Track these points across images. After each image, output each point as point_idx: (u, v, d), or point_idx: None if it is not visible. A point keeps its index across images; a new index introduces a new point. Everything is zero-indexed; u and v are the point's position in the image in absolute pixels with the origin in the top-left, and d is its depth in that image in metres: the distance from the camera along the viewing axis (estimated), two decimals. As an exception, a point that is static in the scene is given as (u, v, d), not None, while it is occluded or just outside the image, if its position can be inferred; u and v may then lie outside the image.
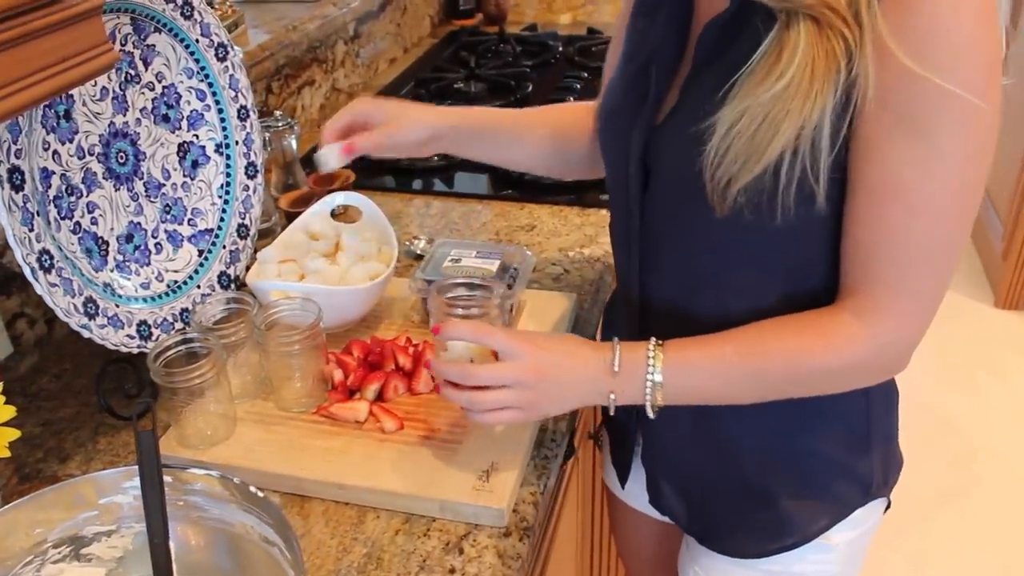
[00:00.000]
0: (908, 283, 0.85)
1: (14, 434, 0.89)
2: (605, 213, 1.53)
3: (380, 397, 1.08)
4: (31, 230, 0.98)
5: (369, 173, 1.70)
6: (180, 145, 1.22)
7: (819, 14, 0.76)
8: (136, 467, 0.83)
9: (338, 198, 1.30)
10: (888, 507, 1.10)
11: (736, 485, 1.04)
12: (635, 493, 1.24)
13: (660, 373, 0.90)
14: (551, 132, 1.22)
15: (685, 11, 0.95)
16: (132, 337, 1.09)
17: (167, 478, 0.84)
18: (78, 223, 1.08)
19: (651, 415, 0.93)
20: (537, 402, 0.92)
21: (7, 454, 0.88)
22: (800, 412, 0.97)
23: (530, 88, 2.03)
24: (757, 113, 0.80)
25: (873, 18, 0.76)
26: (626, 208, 1.00)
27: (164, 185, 1.20)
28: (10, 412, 0.89)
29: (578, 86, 2.02)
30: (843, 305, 0.89)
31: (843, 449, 1.02)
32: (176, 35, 1.18)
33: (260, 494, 0.82)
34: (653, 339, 0.91)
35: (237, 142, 1.27)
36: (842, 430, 1.01)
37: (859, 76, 0.77)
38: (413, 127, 1.13)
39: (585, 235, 1.47)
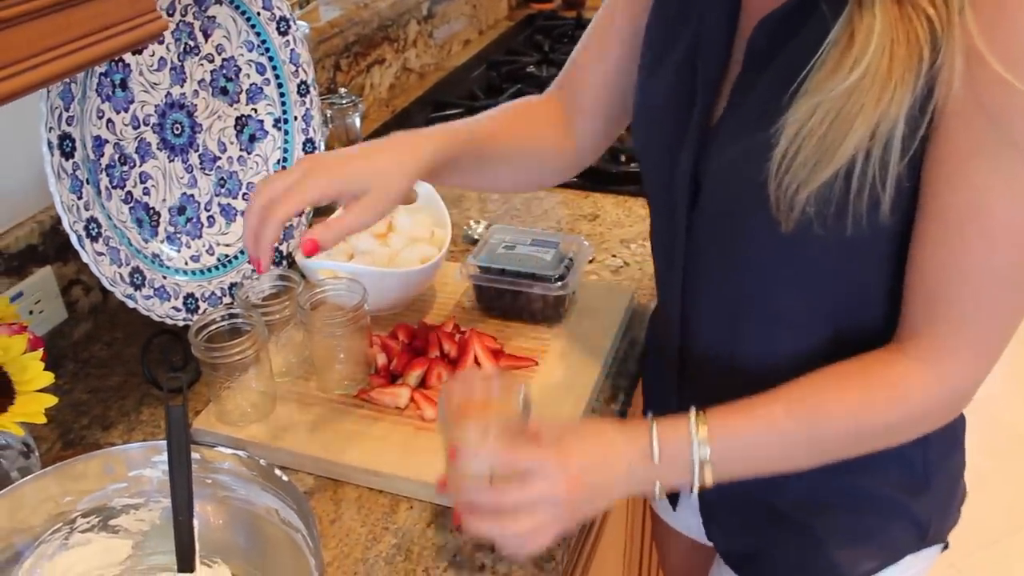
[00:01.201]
0: (981, 323, 0.75)
1: (51, 400, 0.89)
2: (671, 205, 1.48)
3: (423, 384, 1.05)
4: (80, 198, 0.97)
5: (434, 155, 1.67)
6: (238, 119, 1.21)
7: None
8: (165, 442, 0.82)
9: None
10: (946, 547, 1.00)
11: (779, 521, 0.96)
12: (681, 516, 1.19)
13: (707, 448, 0.78)
14: (518, 150, 1.05)
15: (731, 4, 0.85)
16: (178, 310, 1.09)
17: (195, 456, 0.83)
18: (130, 193, 1.08)
19: (692, 492, 0.81)
20: (575, 512, 0.80)
21: (43, 420, 0.88)
22: (857, 463, 0.88)
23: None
24: (829, 109, 0.71)
25: (962, 7, 0.66)
26: (670, 219, 0.91)
27: (219, 158, 1.19)
28: (48, 378, 0.89)
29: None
30: (904, 349, 0.79)
31: (897, 489, 0.92)
32: (237, 7, 1.17)
33: (285, 478, 0.80)
34: (693, 411, 0.80)
35: (296, 117, 1.26)
36: (896, 469, 0.91)
37: (944, 67, 0.68)
38: (396, 187, 0.87)
39: (648, 227, 1.42)
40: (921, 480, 0.92)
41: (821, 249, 0.79)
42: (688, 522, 1.17)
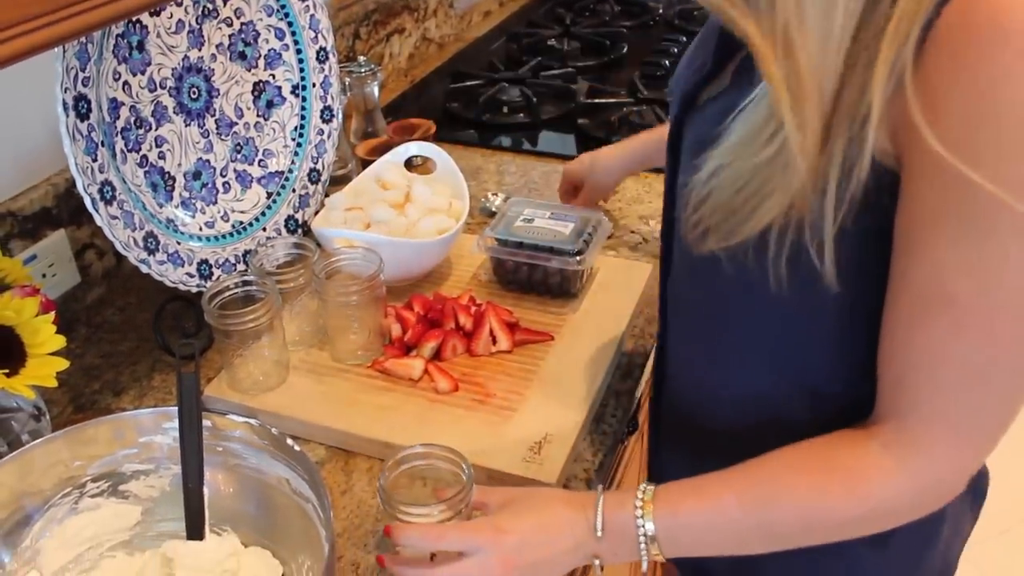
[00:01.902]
0: (956, 418, 0.65)
1: (62, 364, 0.88)
2: (691, 182, 1.46)
3: (437, 356, 1.04)
4: (94, 160, 0.96)
5: (452, 126, 1.66)
6: (255, 84, 1.19)
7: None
8: (176, 409, 0.81)
9: (412, 148, 1.26)
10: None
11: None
12: None
13: (652, 525, 0.73)
14: None
15: None
16: (192, 276, 1.07)
17: (206, 423, 0.82)
18: (145, 156, 1.06)
19: (645, 568, 0.77)
20: None
21: (54, 384, 0.87)
22: None
23: (625, 49, 1.96)
24: (740, 175, 0.65)
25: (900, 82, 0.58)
26: (665, 194, 0.89)
27: (236, 124, 1.18)
28: (60, 342, 0.88)
29: (675, 50, 1.93)
30: (874, 433, 0.69)
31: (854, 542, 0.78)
32: (257, -30, 1.15)
33: (297, 448, 0.79)
34: (643, 487, 0.75)
35: (314, 84, 1.24)
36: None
37: (873, 150, 0.60)
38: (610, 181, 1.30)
39: (669, 204, 1.40)
40: (883, 535, 0.76)
41: (752, 292, 0.73)
42: None
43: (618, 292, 1.15)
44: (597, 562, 0.77)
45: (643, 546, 0.74)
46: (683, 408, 0.91)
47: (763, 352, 0.79)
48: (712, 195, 0.67)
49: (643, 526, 0.73)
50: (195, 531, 0.82)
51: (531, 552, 0.75)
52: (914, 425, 0.67)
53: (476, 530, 0.76)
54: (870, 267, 0.67)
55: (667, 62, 1.85)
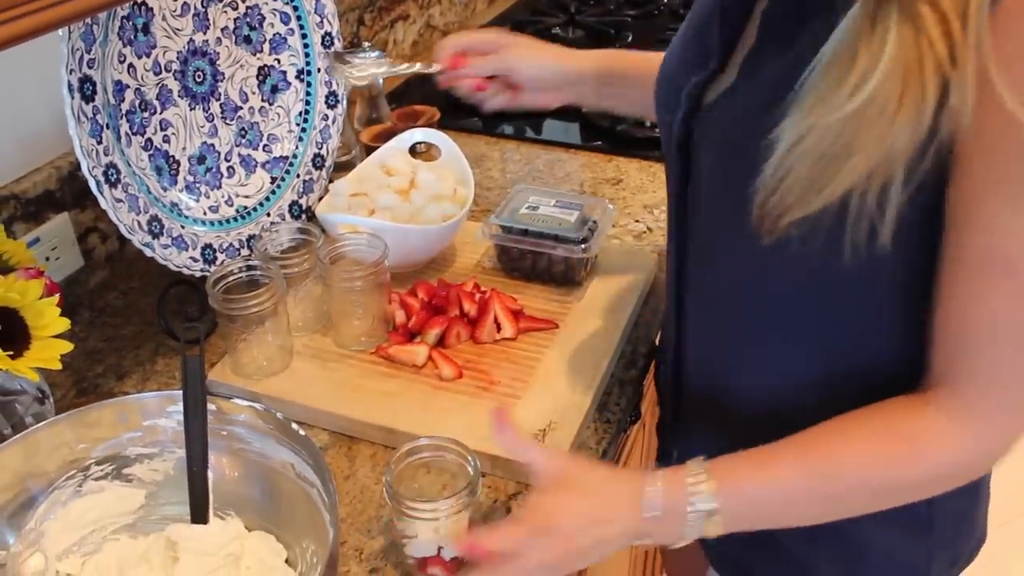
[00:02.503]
0: (1010, 383, 0.66)
1: (67, 347, 0.88)
2: (696, 172, 1.46)
3: (441, 343, 1.04)
4: (99, 143, 0.96)
5: (456, 113, 1.65)
6: (260, 68, 1.19)
7: (915, 12, 0.57)
8: (180, 392, 0.81)
9: (417, 134, 1.25)
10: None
11: (782, 552, 0.90)
12: None
13: (712, 504, 0.72)
14: None
15: None
16: (196, 260, 1.07)
17: (211, 407, 0.82)
18: (150, 140, 1.06)
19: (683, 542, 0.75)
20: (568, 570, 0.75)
21: (58, 366, 0.87)
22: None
23: (629, 38, 1.94)
24: (824, 135, 0.62)
25: (980, 34, 0.56)
26: (672, 193, 0.86)
27: (241, 108, 1.17)
28: (64, 324, 0.88)
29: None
30: (929, 399, 0.70)
31: (896, 534, 0.84)
32: (263, -47, 1.14)
33: (302, 432, 0.79)
34: (696, 464, 0.73)
35: (319, 69, 1.23)
36: (899, 512, 0.79)
37: (953, 102, 0.58)
38: (554, 103, 1.13)
39: (673, 193, 1.40)
40: (925, 524, 0.85)
41: (807, 273, 0.72)
42: None
43: (623, 280, 1.15)
44: (648, 540, 0.76)
45: (701, 523, 0.72)
46: (710, 397, 0.89)
47: (811, 335, 0.77)
48: (793, 169, 0.64)
49: (703, 504, 0.72)
50: (199, 515, 0.82)
51: (583, 537, 0.74)
52: (970, 391, 0.68)
53: (531, 521, 0.74)
54: (924, 234, 0.66)
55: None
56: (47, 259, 1.14)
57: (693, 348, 0.91)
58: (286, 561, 0.82)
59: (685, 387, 0.94)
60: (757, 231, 0.69)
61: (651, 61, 0.98)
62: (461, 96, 1.14)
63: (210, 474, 0.82)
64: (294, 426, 0.80)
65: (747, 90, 0.73)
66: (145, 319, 1.17)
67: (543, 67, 1.12)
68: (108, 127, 0.97)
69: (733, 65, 0.76)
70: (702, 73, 0.78)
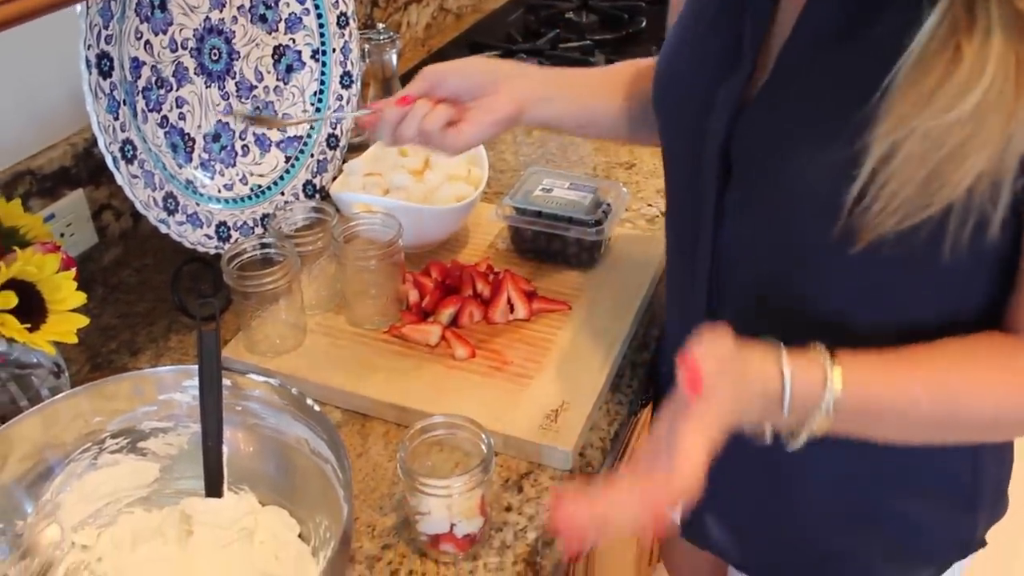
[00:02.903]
0: None
1: (83, 321, 0.88)
2: (709, 157, 1.45)
3: (454, 322, 1.04)
4: (116, 119, 0.96)
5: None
6: (275, 48, 1.19)
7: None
8: (196, 367, 0.82)
9: (431, 115, 1.25)
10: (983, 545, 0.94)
11: (812, 546, 0.89)
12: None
13: (834, 404, 0.67)
14: (627, 92, 1.00)
15: None
16: (210, 237, 1.08)
17: (226, 382, 0.83)
18: (165, 117, 1.06)
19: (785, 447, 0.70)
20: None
21: (75, 340, 0.88)
22: (892, 471, 0.82)
23: (643, 24, 1.94)
24: (933, 138, 0.58)
25: None
26: (693, 209, 0.80)
27: (256, 87, 1.17)
28: (81, 298, 0.89)
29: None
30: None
31: (945, 510, 0.85)
32: (280, -69, 1.14)
33: (317, 408, 0.79)
34: (825, 360, 0.68)
35: (334, 50, 1.23)
36: (944, 489, 0.84)
37: None
38: (504, 106, 0.90)
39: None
40: (971, 496, 0.85)
41: (890, 272, 0.69)
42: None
43: (636, 264, 1.15)
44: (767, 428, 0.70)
45: (815, 420, 0.68)
46: None
47: (877, 333, 0.72)
48: (894, 176, 0.60)
49: (827, 405, 0.67)
50: (213, 489, 0.82)
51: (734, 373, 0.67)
52: None
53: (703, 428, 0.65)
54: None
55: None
56: (62, 235, 1.15)
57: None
58: (299, 536, 0.82)
59: None
60: (842, 238, 0.65)
61: (576, 78, 0.99)
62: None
63: (224, 449, 0.82)
64: (309, 402, 0.80)
65: (794, 89, 0.69)
66: (159, 296, 1.17)
67: (468, 75, 0.93)
68: (125, 103, 0.98)
69: (764, 55, 0.72)
70: (734, 72, 0.73)
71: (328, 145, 1.24)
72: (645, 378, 1.05)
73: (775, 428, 0.70)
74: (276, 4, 1.18)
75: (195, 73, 1.09)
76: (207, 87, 1.11)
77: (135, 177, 0.98)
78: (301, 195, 1.21)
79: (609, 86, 1.01)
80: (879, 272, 0.70)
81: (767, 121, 0.71)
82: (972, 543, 0.89)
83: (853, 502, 0.85)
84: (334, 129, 1.24)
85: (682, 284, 0.88)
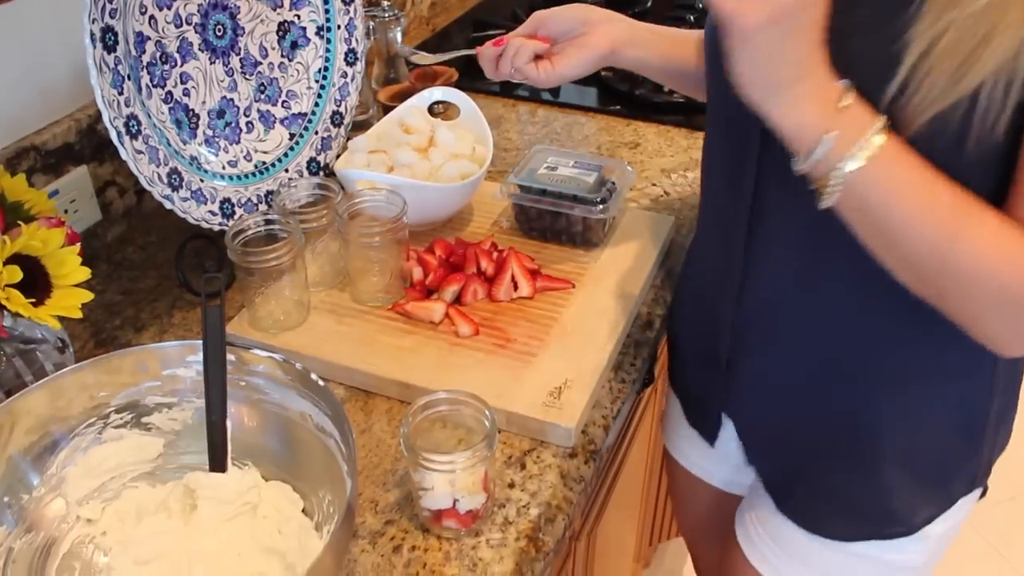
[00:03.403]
0: None
1: (87, 296, 0.88)
2: (714, 137, 1.45)
3: (458, 300, 1.04)
4: (120, 93, 0.96)
5: (474, 75, 1.64)
6: (280, 24, 1.18)
7: None
8: (200, 342, 0.82)
9: (436, 93, 1.25)
10: (984, 494, 0.98)
11: (830, 454, 0.92)
12: (705, 464, 1.17)
13: (879, 140, 0.67)
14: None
15: None
16: (214, 214, 1.07)
17: (230, 357, 0.83)
18: (170, 93, 1.06)
19: (824, 204, 0.71)
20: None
21: (79, 315, 0.88)
22: (918, 396, 0.86)
23: (649, 3, 1.93)
24: (964, 27, 0.63)
25: None
26: (741, 139, 0.82)
27: (260, 64, 1.17)
28: (85, 273, 0.89)
29: (700, 4, 1.91)
30: None
31: (959, 436, 0.89)
32: (285, -94, 1.14)
33: (321, 383, 0.79)
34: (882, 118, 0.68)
35: (339, 26, 1.23)
36: (960, 415, 0.88)
37: None
38: (599, 44, 1.01)
39: (691, 158, 1.40)
40: (982, 430, 0.90)
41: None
42: (711, 469, 1.16)
43: (640, 243, 1.15)
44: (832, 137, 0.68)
45: (850, 160, 0.67)
46: (775, 342, 0.90)
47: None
48: (933, 68, 0.64)
49: (868, 144, 0.67)
50: (217, 463, 0.82)
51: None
52: None
53: None
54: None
55: (692, 16, 1.83)
56: (66, 212, 1.15)
57: (761, 293, 0.89)
58: (303, 511, 0.82)
59: (745, 335, 0.93)
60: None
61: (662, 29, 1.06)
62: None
63: (228, 424, 0.82)
64: (313, 377, 0.80)
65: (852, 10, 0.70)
66: (162, 273, 1.17)
67: (568, 17, 1.03)
68: (129, 78, 0.97)
69: None
70: None
71: (332, 122, 1.23)
72: (648, 357, 1.05)
73: (806, 161, 0.69)
74: (281, -20, 1.17)
75: (199, 49, 1.09)
76: (211, 63, 1.11)
77: (139, 153, 0.98)
78: (305, 172, 1.20)
79: (696, 43, 1.05)
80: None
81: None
82: (975, 478, 0.93)
83: (881, 428, 0.88)
84: (338, 106, 1.24)
85: (723, 221, 0.90)
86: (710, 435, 1.06)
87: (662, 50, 1.06)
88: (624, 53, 1.04)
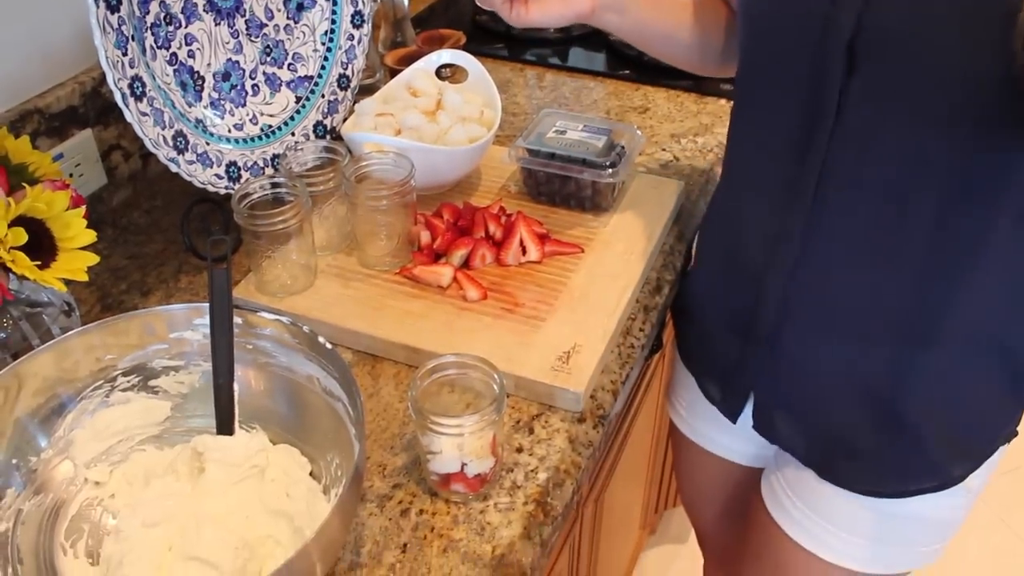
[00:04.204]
0: None
1: (93, 259, 0.88)
2: (724, 102, 1.43)
3: (466, 264, 1.03)
4: (124, 54, 0.95)
5: (482, 39, 1.63)
6: (286, -15, 1.17)
7: None
8: (207, 305, 0.81)
9: (445, 56, 1.23)
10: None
11: (875, 419, 0.91)
12: (707, 432, 1.16)
13: None
14: (708, 20, 1.02)
15: None
16: (220, 177, 1.07)
17: (237, 320, 0.82)
18: (174, 54, 1.05)
19: None
20: None
21: (85, 278, 0.87)
22: (965, 359, 0.85)
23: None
24: None
25: None
26: (810, 112, 0.79)
27: (266, 25, 1.15)
28: (91, 236, 0.88)
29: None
30: None
31: (997, 388, 0.89)
32: None
33: (328, 346, 0.79)
34: None
35: (345, -12, 1.21)
36: (1004, 375, 0.88)
37: None
38: (582, 3, 0.93)
39: (700, 123, 1.38)
40: (1019, 384, 0.89)
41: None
42: (728, 444, 1.15)
43: (649, 208, 1.14)
44: None
45: None
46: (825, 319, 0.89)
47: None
48: None
49: None
50: (225, 426, 0.82)
51: None
52: None
53: None
54: None
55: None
56: (71, 176, 1.14)
57: (815, 267, 0.87)
58: (310, 474, 0.82)
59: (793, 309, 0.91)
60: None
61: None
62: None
63: (236, 387, 0.82)
64: (320, 340, 0.79)
65: None
66: (168, 238, 1.17)
67: None
68: (133, 39, 0.96)
69: None
70: None
71: (339, 85, 1.22)
72: (658, 323, 1.04)
73: None
74: (286, -60, 1.15)
75: (204, 10, 1.07)
76: (216, 24, 1.09)
77: (144, 115, 0.97)
78: (311, 136, 1.19)
79: (693, 12, 1.02)
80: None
81: (888, 8, 0.71)
82: (1009, 432, 0.93)
83: (922, 377, 0.87)
84: (345, 69, 1.22)
85: (775, 190, 0.87)
86: (733, 411, 1.03)
87: (654, 20, 1.01)
88: (606, 18, 0.97)
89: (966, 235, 0.77)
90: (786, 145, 0.83)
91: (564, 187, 1.11)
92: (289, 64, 1.18)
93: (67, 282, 0.86)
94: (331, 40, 1.21)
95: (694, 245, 1.11)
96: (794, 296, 0.89)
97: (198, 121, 1.07)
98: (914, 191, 0.76)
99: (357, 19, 1.23)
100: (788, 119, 0.82)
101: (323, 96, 1.20)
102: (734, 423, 1.04)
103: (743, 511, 1.16)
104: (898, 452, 0.92)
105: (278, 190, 0.99)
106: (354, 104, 1.20)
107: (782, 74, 0.82)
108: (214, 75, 1.10)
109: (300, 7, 1.19)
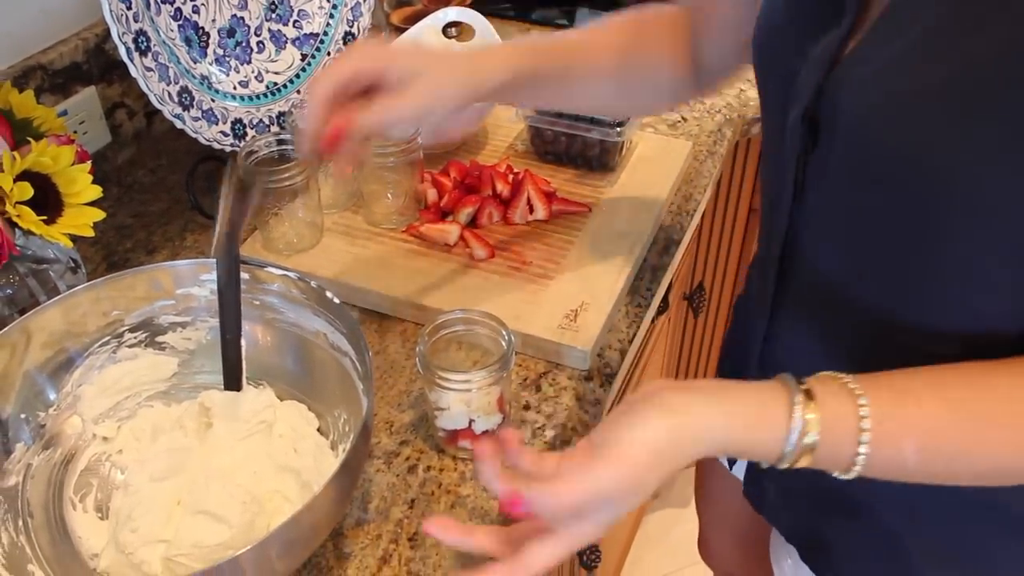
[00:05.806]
0: None
1: (99, 215, 0.88)
2: (733, 62, 1.42)
3: (473, 222, 1.03)
4: (129, 8, 0.94)
5: (487, -1, 1.61)
6: (291, -61, 1.16)
7: None
8: (214, 260, 0.81)
9: (451, 13, 1.22)
10: None
11: (871, 544, 0.81)
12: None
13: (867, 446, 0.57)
14: (620, 66, 0.87)
15: None
16: (226, 134, 1.06)
17: (244, 275, 0.82)
18: (179, 9, 1.03)
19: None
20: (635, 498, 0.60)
21: (91, 233, 0.87)
22: (975, 502, 0.72)
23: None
24: None
25: None
26: (780, 164, 0.70)
27: (271, -19, 1.14)
28: (97, 191, 0.88)
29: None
30: None
31: (1009, 531, 0.75)
32: None
33: (336, 301, 0.78)
34: (860, 400, 0.58)
35: (350, -57, 1.20)
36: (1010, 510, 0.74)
37: None
38: (439, 97, 0.76)
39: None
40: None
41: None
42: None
43: (657, 168, 1.13)
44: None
45: (846, 464, 0.58)
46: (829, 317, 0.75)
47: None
48: None
49: (863, 446, 0.57)
50: (232, 382, 0.82)
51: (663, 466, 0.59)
52: None
53: (596, 468, 0.57)
54: None
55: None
56: (75, 132, 1.13)
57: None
58: (318, 430, 0.82)
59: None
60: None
61: (571, 48, 0.86)
62: None
63: (243, 343, 0.82)
64: (328, 295, 0.79)
65: (897, 38, 0.58)
66: (174, 196, 1.16)
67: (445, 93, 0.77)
68: (137, -7, 0.95)
69: (868, 9, 0.63)
70: (833, 28, 0.64)
71: (345, 43, 1.21)
72: (665, 284, 1.04)
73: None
74: None
75: (208, -35, 1.06)
76: (221, -20, 1.08)
77: (149, 70, 0.96)
78: (317, 94, 1.18)
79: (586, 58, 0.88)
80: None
81: (865, 80, 0.61)
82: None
83: (917, 503, 0.76)
84: (351, 27, 1.21)
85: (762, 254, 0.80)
86: (731, 459, 0.99)
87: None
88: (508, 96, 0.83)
89: None
90: (769, 177, 0.76)
91: (571, 146, 1.11)
92: (295, 21, 1.17)
93: (73, 239, 0.86)
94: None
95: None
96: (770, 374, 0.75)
97: (203, 77, 1.06)
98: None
99: (362, -24, 1.22)
100: (766, 189, 0.76)
101: (329, 54, 1.19)
102: (730, 469, 1.02)
103: (761, 553, 1.05)
104: (876, 554, 0.82)
105: (284, 147, 0.99)
106: (360, 62, 1.19)
107: (768, 133, 0.75)
108: (219, 31, 1.09)
109: (305, -37, 1.18)
